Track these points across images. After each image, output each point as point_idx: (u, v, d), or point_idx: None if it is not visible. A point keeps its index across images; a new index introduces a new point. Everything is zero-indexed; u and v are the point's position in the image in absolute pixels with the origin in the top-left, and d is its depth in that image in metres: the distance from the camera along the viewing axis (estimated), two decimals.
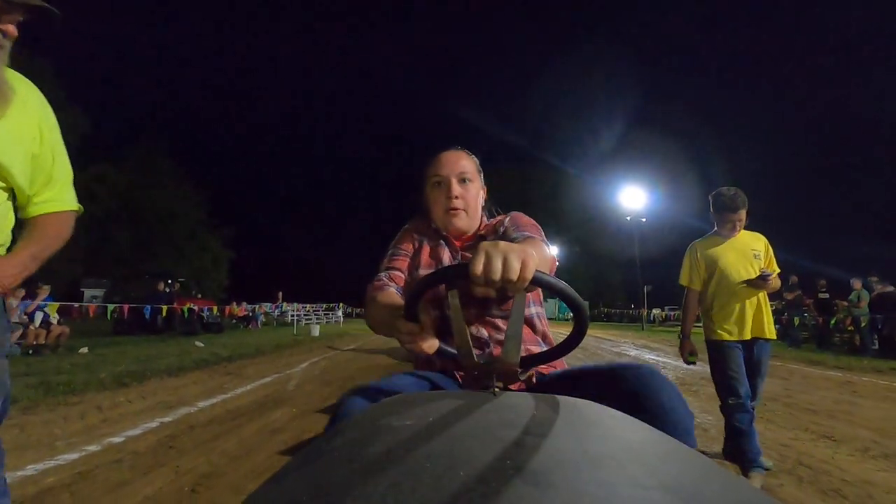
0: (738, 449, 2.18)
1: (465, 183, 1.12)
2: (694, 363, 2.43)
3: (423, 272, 1.08)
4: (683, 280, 2.52)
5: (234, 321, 16.15)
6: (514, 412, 0.46)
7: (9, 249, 1.02)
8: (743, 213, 2.34)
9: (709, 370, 2.37)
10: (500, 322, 0.99)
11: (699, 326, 2.51)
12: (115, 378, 4.64)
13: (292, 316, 19.41)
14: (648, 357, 8.54)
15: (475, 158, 1.18)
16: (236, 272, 40.17)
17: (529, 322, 1.03)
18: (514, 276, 0.59)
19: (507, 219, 1.15)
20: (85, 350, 7.15)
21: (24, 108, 0.97)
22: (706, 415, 3.48)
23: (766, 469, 2.22)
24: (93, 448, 2.57)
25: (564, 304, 0.67)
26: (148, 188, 31.76)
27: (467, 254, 1.11)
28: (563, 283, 0.65)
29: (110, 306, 9.80)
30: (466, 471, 0.33)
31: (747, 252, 2.36)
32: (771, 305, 2.44)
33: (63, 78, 25.11)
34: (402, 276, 1.10)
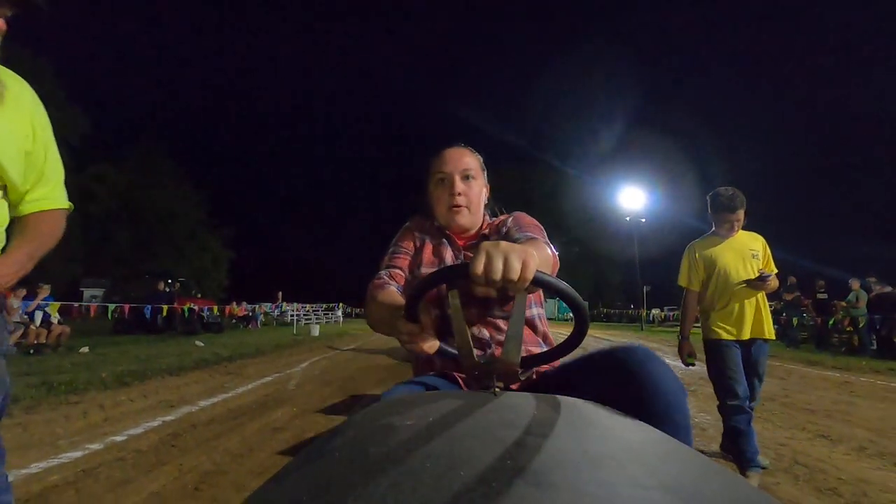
0: (737, 449, 2.20)
1: (468, 180, 1.11)
2: (693, 364, 2.43)
3: (424, 271, 1.08)
4: (682, 281, 2.52)
5: (234, 321, 16.17)
6: (514, 412, 0.46)
7: (2, 249, 1.02)
8: (741, 214, 2.35)
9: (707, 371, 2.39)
10: (501, 323, 0.99)
11: (698, 327, 2.52)
12: (116, 377, 4.65)
13: (292, 316, 19.41)
14: None
15: (479, 156, 1.18)
16: (236, 272, 40.27)
17: (530, 323, 1.02)
18: (515, 276, 0.59)
19: (510, 219, 1.15)
20: (85, 349, 7.17)
21: (17, 106, 0.97)
22: (704, 414, 3.50)
23: (763, 468, 2.23)
24: (95, 446, 2.59)
25: (564, 304, 0.68)
26: (148, 188, 31.80)
27: (469, 253, 1.10)
28: (563, 284, 0.66)
29: (111, 306, 9.83)
30: (467, 471, 0.33)
31: (745, 252, 2.37)
32: (770, 306, 2.45)
33: (63, 78, 25.22)
34: (403, 274, 1.09)
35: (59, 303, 8.03)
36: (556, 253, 0.99)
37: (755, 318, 2.32)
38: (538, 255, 0.73)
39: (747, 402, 2.21)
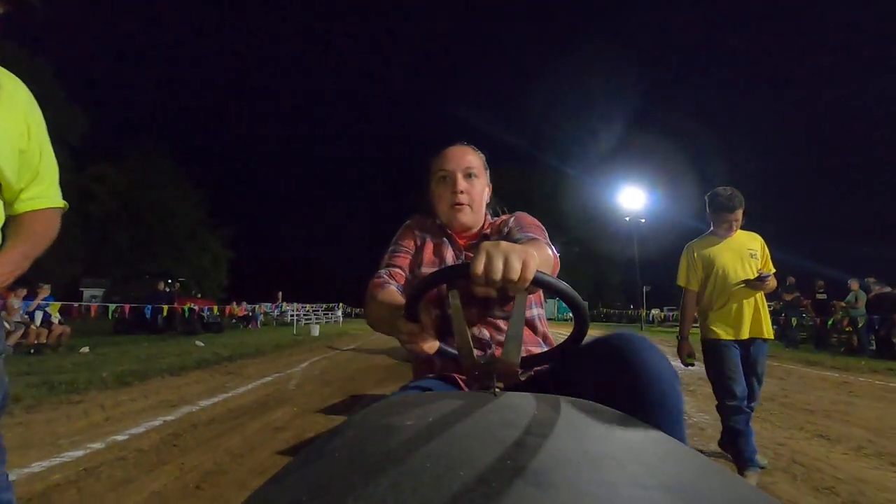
0: (735, 448, 2.20)
1: (470, 178, 1.11)
2: (693, 364, 2.42)
3: (425, 270, 1.07)
4: (681, 281, 2.52)
5: (234, 321, 16.18)
6: (514, 412, 0.46)
7: None
8: (739, 214, 2.35)
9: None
10: (501, 323, 0.99)
11: (697, 327, 2.53)
12: (116, 377, 4.66)
13: (292, 316, 19.41)
14: None
15: (482, 154, 1.18)
16: (236, 272, 40.25)
17: (530, 323, 1.02)
18: (515, 276, 0.59)
19: (512, 219, 1.15)
20: (86, 349, 7.17)
21: (11, 104, 0.97)
22: (703, 414, 3.52)
23: (762, 468, 2.24)
24: (97, 446, 2.60)
25: (564, 305, 0.68)
26: (148, 188, 31.81)
27: (471, 253, 1.09)
28: (563, 284, 0.66)
29: (111, 306, 9.84)
30: (467, 471, 0.33)
31: (744, 252, 2.37)
32: (769, 306, 2.45)
33: (63, 78, 25.24)
34: (403, 273, 1.09)
35: (60, 303, 8.04)
36: (558, 254, 0.99)
37: (753, 317, 2.31)
38: (538, 256, 0.73)
39: (745, 403, 2.22)
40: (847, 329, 9.28)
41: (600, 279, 44.27)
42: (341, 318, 23.68)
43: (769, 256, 2.41)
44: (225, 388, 4.51)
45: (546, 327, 1.06)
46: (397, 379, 5.10)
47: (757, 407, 2.50)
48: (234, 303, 17.85)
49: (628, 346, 0.68)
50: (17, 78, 1.01)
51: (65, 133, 22.73)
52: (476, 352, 0.71)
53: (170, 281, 14.55)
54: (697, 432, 3.05)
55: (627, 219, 27.92)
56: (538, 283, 0.62)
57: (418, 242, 1.16)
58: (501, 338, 0.96)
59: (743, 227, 2.43)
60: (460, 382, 0.92)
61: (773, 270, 2.37)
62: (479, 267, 0.59)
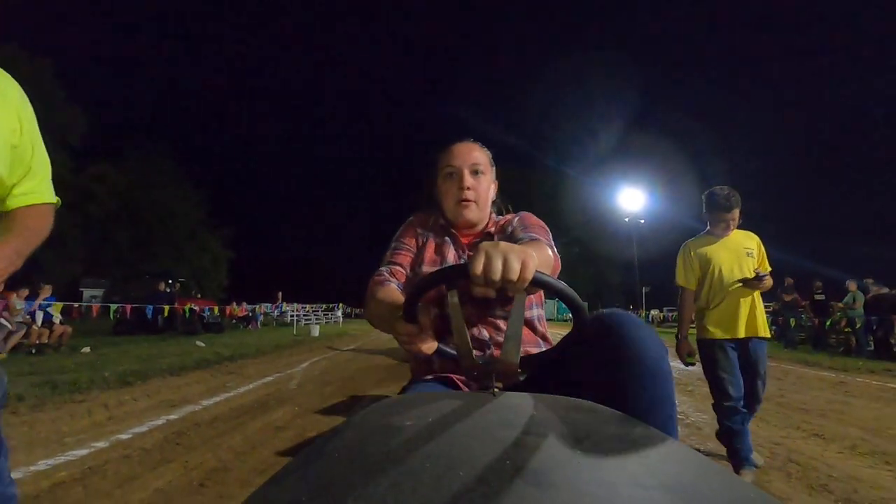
0: (731, 448, 2.23)
1: (477, 175, 1.11)
2: (693, 364, 2.42)
3: (426, 269, 1.07)
4: (679, 279, 2.51)
5: (234, 321, 16.20)
6: (513, 412, 0.47)
7: None
8: (737, 213, 2.36)
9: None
10: (501, 323, 0.99)
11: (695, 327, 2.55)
12: (118, 377, 4.69)
13: (292, 316, 19.43)
14: None
15: (488, 151, 1.17)
16: (236, 272, 40.23)
17: (529, 324, 1.02)
18: (514, 276, 0.59)
19: (516, 219, 1.15)
20: (87, 350, 7.20)
21: (3, 100, 0.97)
22: (701, 413, 3.55)
23: (758, 466, 2.26)
24: (101, 444, 2.63)
25: (564, 305, 0.70)
26: (148, 188, 31.79)
27: (472, 253, 1.12)
28: (562, 284, 0.66)
29: (113, 306, 9.87)
30: (466, 471, 0.33)
31: (740, 251, 2.38)
32: (767, 307, 2.48)
33: (63, 78, 25.18)
34: (404, 271, 1.09)
35: (62, 303, 8.07)
36: (559, 255, 1.00)
37: (749, 316, 2.31)
38: (538, 256, 0.73)
39: (741, 402, 2.23)
40: (845, 330, 9.29)
41: (600, 280, 44.30)
42: (341, 319, 23.69)
43: (766, 255, 2.43)
44: (226, 388, 4.54)
45: (545, 328, 1.07)
46: (397, 379, 5.13)
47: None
48: (235, 303, 17.88)
49: (618, 321, 0.69)
50: (7, 74, 1.01)
51: (65, 133, 22.69)
52: (475, 352, 0.72)
53: (170, 281, 14.56)
54: (695, 431, 3.08)
55: (627, 219, 28.03)
56: (537, 283, 0.63)
57: (420, 241, 1.15)
58: (501, 338, 0.96)
59: (740, 227, 2.44)
60: (459, 384, 0.92)
61: (770, 269, 2.38)
62: (478, 267, 0.59)
